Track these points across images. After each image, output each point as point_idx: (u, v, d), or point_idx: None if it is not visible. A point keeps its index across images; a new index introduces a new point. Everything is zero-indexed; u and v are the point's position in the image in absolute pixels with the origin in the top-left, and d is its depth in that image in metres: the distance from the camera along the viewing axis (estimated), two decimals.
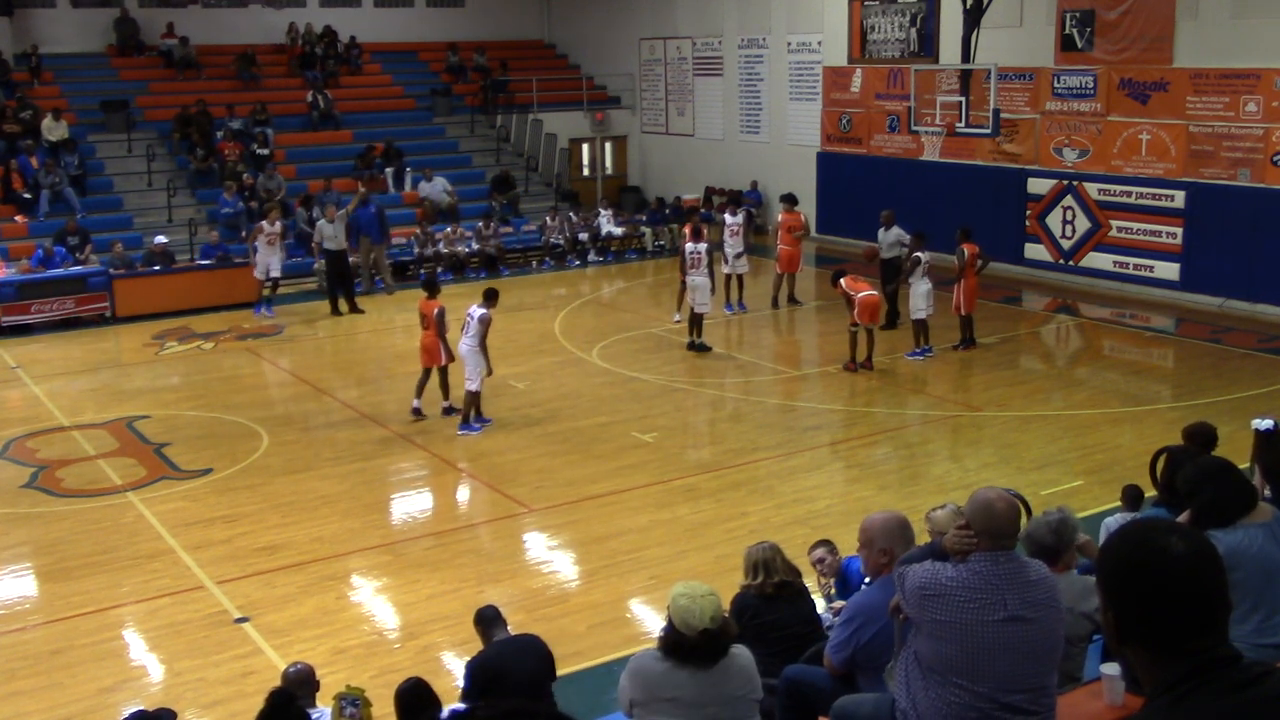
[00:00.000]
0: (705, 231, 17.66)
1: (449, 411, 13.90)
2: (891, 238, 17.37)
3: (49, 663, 8.52)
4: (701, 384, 15.53)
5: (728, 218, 19.45)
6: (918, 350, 16.11)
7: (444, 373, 13.85)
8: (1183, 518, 5.13)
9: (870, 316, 15.33)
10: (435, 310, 13.57)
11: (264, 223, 19.92)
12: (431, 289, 14.10)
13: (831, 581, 7.28)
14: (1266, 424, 7.09)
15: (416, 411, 13.87)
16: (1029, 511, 5.69)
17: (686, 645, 4.85)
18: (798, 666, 5.73)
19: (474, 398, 13.39)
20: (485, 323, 13.08)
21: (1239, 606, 4.76)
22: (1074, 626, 5.21)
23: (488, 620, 6.69)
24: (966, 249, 16.05)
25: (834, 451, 12.98)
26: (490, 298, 13.39)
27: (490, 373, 13.41)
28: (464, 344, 13.22)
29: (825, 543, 7.52)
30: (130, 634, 9.10)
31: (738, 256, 19.00)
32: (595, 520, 11.04)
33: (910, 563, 4.43)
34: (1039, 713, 4.22)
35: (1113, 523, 6.70)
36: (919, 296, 16.02)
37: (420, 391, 13.93)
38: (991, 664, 4.13)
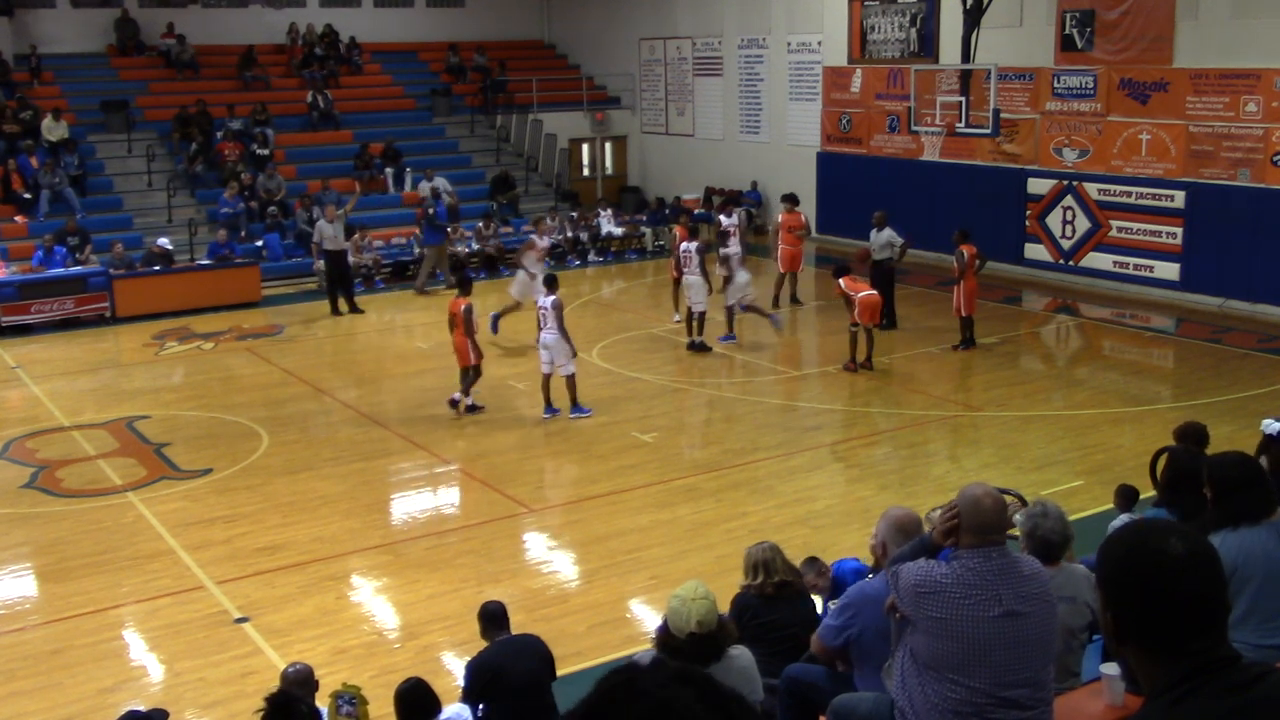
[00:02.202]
0: (699, 230, 17.74)
1: (471, 409, 14.04)
2: (883, 239, 17.32)
3: (49, 663, 8.52)
4: (701, 384, 15.53)
5: (723, 219, 19.42)
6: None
7: (468, 372, 13.96)
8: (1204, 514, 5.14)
9: (870, 316, 15.31)
10: (462, 308, 13.69)
11: (535, 237, 18.45)
12: (464, 286, 14.24)
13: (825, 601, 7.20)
14: (1277, 427, 7.12)
15: (472, 408, 14.05)
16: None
17: (673, 645, 4.88)
18: (798, 665, 5.74)
19: (571, 381, 13.74)
20: (559, 308, 13.56)
21: (1239, 607, 4.76)
22: (1075, 616, 5.20)
23: (493, 618, 6.64)
24: (965, 250, 16.04)
25: (834, 451, 12.97)
26: (553, 284, 13.89)
27: (574, 354, 13.77)
28: (547, 335, 13.59)
29: (813, 562, 7.21)
30: (130, 634, 9.10)
31: (734, 258, 18.95)
32: (595, 520, 11.04)
33: (901, 560, 4.44)
34: (1035, 707, 4.23)
35: (1119, 524, 6.70)
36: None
37: (470, 387, 14.11)
38: (987, 659, 4.14)
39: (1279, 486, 6.80)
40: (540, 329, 13.76)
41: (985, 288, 17.59)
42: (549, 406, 13.86)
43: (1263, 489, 5.11)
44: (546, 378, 13.75)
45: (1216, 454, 5.62)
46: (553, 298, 13.62)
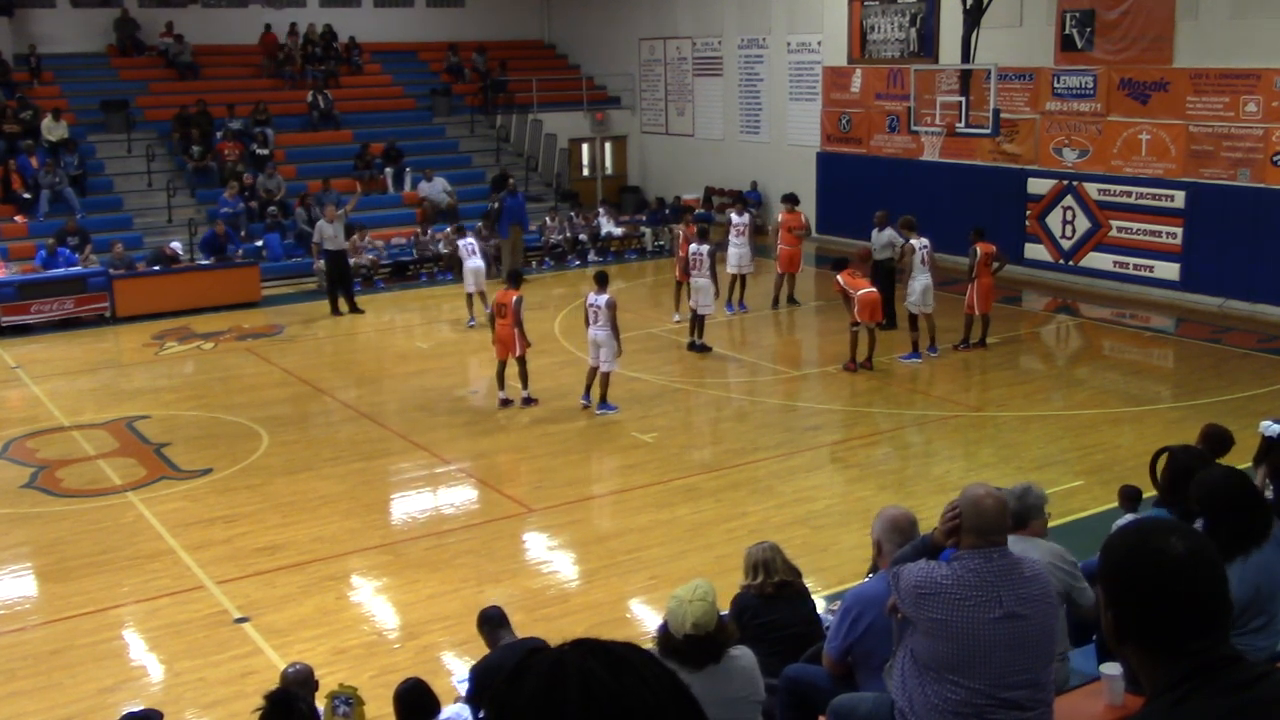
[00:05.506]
0: (708, 232, 17.75)
1: (529, 402, 14.29)
2: (884, 239, 17.28)
3: (49, 663, 8.51)
4: (701, 384, 15.53)
5: (734, 217, 19.43)
6: (914, 353, 16.00)
7: (522, 362, 14.15)
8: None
9: (870, 314, 15.26)
10: (514, 300, 13.94)
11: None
12: (514, 280, 14.49)
13: None
14: (1276, 429, 7.11)
15: (505, 402, 14.31)
16: None
17: (671, 646, 4.88)
18: (798, 665, 5.74)
19: (606, 379, 13.92)
20: (612, 307, 13.72)
21: (1252, 620, 4.73)
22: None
23: (494, 621, 6.64)
24: (980, 248, 15.97)
25: (834, 451, 12.97)
26: (604, 282, 14.06)
27: (620, 352, 13.91)
28: (596, 331, 13.75)
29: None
30: (130, 634, 9.10)
31: (743, 256, 19.00)
32: (595, 520, 11.05)
33: (902, 561, 4.45)
34: (1035, 708, 4.23)
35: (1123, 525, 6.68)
36: (915, 292, 15.92)
37: (502, 382, 14.34)
38: (987, 661, 4.14)
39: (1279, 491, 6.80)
40: (590, 325, 13.90)
41: None
42: (586, 393, 14.11)
43: (1260, 510, 5.01)
44: (593, 369, 13.97)
45: (1207, 474, 5.26)
46: (605, 296, 13.78)
